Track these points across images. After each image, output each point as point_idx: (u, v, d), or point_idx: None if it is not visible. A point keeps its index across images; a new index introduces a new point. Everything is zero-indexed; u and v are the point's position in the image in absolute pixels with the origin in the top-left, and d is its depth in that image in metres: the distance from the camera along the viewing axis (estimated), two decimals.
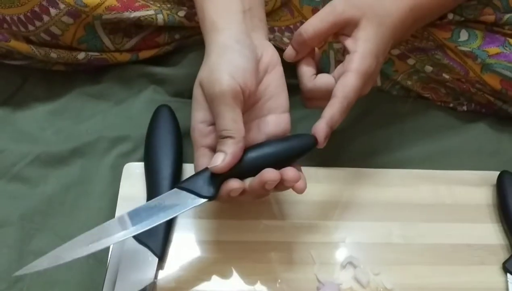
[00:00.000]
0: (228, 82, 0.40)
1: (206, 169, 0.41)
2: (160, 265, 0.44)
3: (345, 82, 0.44)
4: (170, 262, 0.45)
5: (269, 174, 0.40)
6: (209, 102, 0.42)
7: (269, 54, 0.46)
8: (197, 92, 0.43)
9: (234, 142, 0.40)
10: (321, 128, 0.43)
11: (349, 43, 0.46)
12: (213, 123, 0.42)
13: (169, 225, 0.45)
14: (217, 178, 0.41)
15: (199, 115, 0.43)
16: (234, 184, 0.40)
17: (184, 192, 0.40)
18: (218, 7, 0.45)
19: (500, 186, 0.52)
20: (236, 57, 0.42)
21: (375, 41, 0.46)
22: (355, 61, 0.45)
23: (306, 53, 0.48)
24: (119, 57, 0.58)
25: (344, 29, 0.47)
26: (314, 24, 0.46)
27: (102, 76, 0.58)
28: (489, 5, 0.56)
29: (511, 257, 0.48)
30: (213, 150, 0.42)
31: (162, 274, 0.44)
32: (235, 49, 0.43)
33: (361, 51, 0.45)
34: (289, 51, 0.47)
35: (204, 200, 0.40)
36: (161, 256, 0.44)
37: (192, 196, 0.40)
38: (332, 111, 0.44)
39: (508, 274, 0.47)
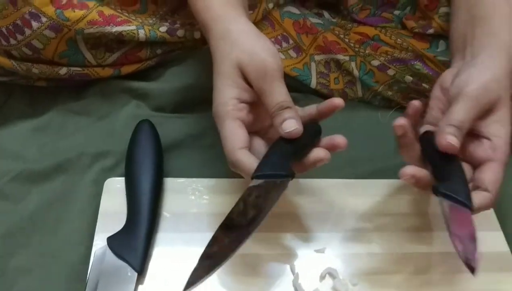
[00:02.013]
0: (276, 61, 0.44)
1: (270, 153, 0.42)
2: (140, 280, 0.44)
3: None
4: (150, 277, 0.45)
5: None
6: (257, 81, 0.43)
7: None
8: (233, 72, 0.44)
9: (294, 111, 0.43)
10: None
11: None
12: (244, 102, 0.44)
13: (148, 239, 0.46)
14: (288, 155, 0.42)
15: (232, 92, 0.44)
16: (321, 153, 0.44)
17: (265, 180, 0.41)
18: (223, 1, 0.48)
19: None
20: (269, 42, 0.45)
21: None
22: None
23: None
24: (101, 72, 0.58)
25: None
26: None
27: (84, 92, 0.59)
28: None
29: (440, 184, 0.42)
30: (245, 124, 0.44)
31: (142, 289, 0.44)
32: (263, 36, 0.46)
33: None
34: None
35: (290, 179, 0.42)
36: (141, 271, 0.44)
37: (278, 179, 0.41)
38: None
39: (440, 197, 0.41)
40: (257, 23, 0.62)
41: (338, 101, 0.46)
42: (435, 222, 0.52)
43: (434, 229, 0.51)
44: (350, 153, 0.57)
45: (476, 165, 0.44)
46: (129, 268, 0.44)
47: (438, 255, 0.49)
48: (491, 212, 0.54)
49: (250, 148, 0.43)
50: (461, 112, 0.43)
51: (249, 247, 0.48)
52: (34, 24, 0.53)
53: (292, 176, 0.42)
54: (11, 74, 0.58)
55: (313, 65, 0.63)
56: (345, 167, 0.56)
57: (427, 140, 0.46)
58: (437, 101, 0.48)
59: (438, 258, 0.49)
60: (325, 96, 0.64)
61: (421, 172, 0.43)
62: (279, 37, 0.62)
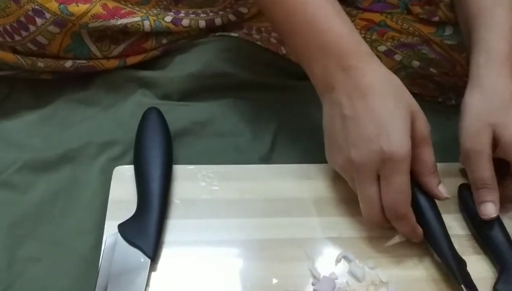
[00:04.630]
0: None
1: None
2: (153, 267, 0.43)
3: None
4: (161, 264, 0.44)
5: None
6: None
7: None
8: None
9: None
10: None
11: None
12: None
13: (160, 225, 0.45)
14: None
15: None
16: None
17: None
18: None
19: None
20: None
21: None
22: None
23: None
24: (107, 64, 0.58)
25: None
26: None
27: (90, 82, 0.58)
28: None
29: (499, 280, 0.44)
30: None
31: (155, 276, 0.43)
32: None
33: None
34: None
35: None
36: (153, 257, 0.43)
37: None
38: None
39: None
40: (261, 11, 0.61)
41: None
42: (449, 203, 0.51)
43: (448, 211, 0.50)
44: None
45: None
46: (141, 255, 0.43)
47: (454, 237, 0.48)
48: None
49: None
50: None
51: (264, 232, 0.47)
52: (38, 20, 0.53)
53: None
54: (15, 69, 0.58)
55: None
56: None
57: (466, 195, 0.48)
58: None
59: (452, 240, 0.48)
60: None
61: None
62: None
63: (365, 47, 0.44)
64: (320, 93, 0.45)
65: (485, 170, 0.44)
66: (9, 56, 0.55)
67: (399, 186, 0.41)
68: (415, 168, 0.43)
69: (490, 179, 0.44)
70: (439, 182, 0.44)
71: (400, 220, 0.42)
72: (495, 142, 0.46)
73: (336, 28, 0.43)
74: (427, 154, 0.43)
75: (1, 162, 0.50)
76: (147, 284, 0.42)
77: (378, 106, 0.41)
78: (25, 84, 0.58)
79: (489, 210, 0.43)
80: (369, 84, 0.42)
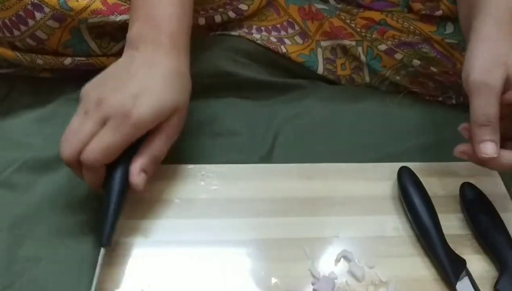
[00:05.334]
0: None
1: None
2: (152, 266, 0.43)
3: None
4: (160, 263, 0.44)
5: None
6: None
7: None
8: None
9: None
10: None
11: None
12: None
13: (116, 211, 0.43)
14: None
15: None
16: None
17: None
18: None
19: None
20: None
21: None
22: None
23: None
24: (106, 61, 0.57)
25: None
26: None
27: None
28: None
29: (500, 280, 0.44)
30: None
31: (153, 276, 0.43)
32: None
33: None
34: None
35: None
36: (106, 244, 0.42)
37: None
38: None
39: None
40: (261, 10, 0.61)
41: None
42: (447, 204, 0.51)
43: (447, 211, 0.50)
44: (359, 138, 0.57)
45: None
46: None
47: (452, 237, 0.48)
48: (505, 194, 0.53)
49: None
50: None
51: (263, 232, 0.47)
52: (37, 14, 0.53)
53: None
54: (14, 66, 0.57)
55: (319, 51, 0.62)
56: (354, 152, 0.56)
57: (467, 195, 0.49)
58: None
59: (452, 240, 0.48)
60: (332, 83, 0.63)
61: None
62: (284, 23, 0.62)
63: (182, 41, 0.49)
64: (127, 45, 0.49)
65: (492, 106, 0.42)
66: (8, 52, 0.55)
67: (112, 141, 0.42)
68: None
69: (494, 117, 0.41)
70: (147, 173, 0.44)
71: (88, 170, 0.43)
72: (506, 85, 0.43)
73: (169, 14, 0.48)
74: (157, 142, 0.45)
75: (1, 161, 0.50)
76: (147, 284, 0.42)
77: (155, 82, 0.45)
78: (25, 83, 0.58)
79: (490, 148, 0.41)
80: (162, 67, 0.46)
